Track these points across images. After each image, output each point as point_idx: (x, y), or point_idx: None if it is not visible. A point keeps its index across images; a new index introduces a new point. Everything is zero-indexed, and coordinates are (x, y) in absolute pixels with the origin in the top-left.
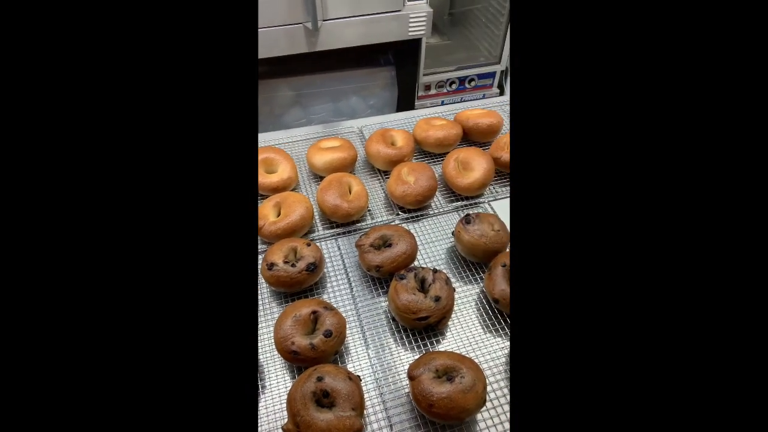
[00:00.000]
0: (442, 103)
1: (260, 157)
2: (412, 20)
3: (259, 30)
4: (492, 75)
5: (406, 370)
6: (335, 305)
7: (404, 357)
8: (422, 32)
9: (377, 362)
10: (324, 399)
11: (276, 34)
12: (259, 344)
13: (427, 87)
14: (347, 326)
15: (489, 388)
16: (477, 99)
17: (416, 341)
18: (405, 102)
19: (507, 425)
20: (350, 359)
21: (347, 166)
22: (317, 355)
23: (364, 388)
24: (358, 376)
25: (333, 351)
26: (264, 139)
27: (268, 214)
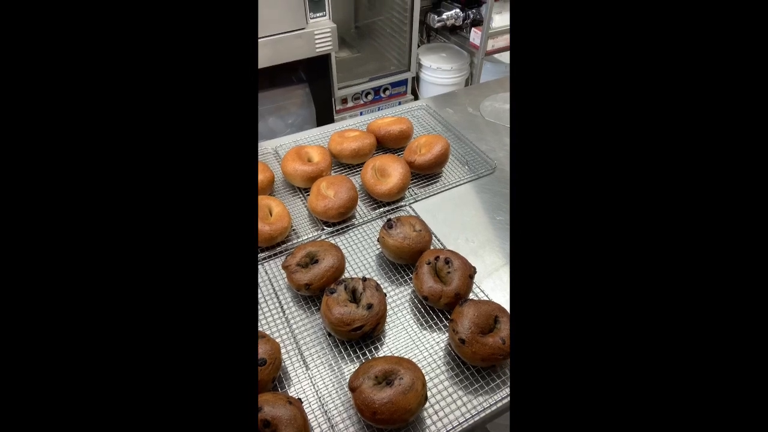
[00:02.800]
0: (361, 114)
1: None
2: (317, 37)
3: None
4: (404, 82)
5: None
6: (269, 331)
7: (346, 370)
8: (329, 47)
9: (319, 381)
10: (266, 429)
11: None
12: None
13: (344, 100)
14: (284, 350)
15: (430, 384)
16: (394, 106)
17: (355, 352)
18: (323, 117)
19: (451, 417)
20: (290, 383)
21: (265, 189)
22: None
23: (307, 410)
24: (299, 399)
25: (270, 379)
26: None
27: None
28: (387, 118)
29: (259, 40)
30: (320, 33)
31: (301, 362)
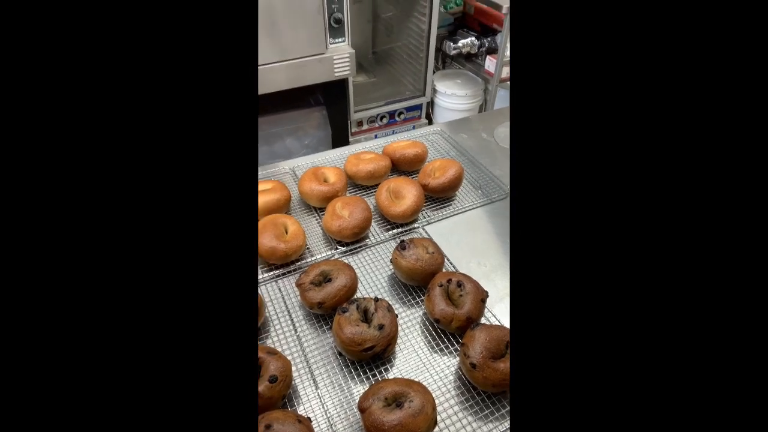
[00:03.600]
0: (375, 137)
1: None
2: (336, 62)
3: None
4: (419, 107)
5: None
6: (280, 348)
7: (355, 391)
8: (347, 72)
9: (328, 400)
10: None
11: None
12: None
13: (360, 123)
14: (294, 368)
15: (439, 408)
16: (408, 130)
17: (365, 373)
18: (339, 139)
19: None
20: (300, 401)
21: (281, 207)
22: (264, 402)
23: (316, 429)
24: (308, 418)
25: (280, 396)
26: None
27: None
28: (402, 141)
29: (281, 64)
30: (339, 58)
31: (311, 381)
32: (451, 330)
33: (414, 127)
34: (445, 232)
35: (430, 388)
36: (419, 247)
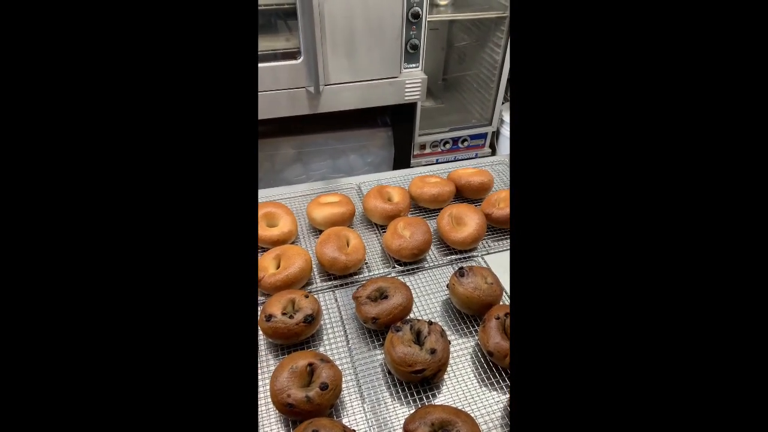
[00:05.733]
0: (437, 162)
1: (262, 211)
2: (407, 86)
3: (264, 93)
4: (484, 136)
5: (402, 425)
6: (331, 357)
7: (400, 411)
8: (417, 97)
9: (372, 416)
10: None
11: (280, 97)
12: None
13: (422, 146)
14: (343, 379)
15: None
16: (470, 158)
17: (412, 395)
18: (401, 160)
19: None
20: (345, 413)
21: (346, 221)
22: (313, 408)
23: None
24: (354, 431)
25: (329, 404)
26: (266, 194)
27: (267, 266)
28: (468, 168)
29: (354, 84)
30: (411, 82)
31: (359, 394)
32: (503, 365)
33: (477, 155)
34: (504, 263)
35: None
36: (478, 276)
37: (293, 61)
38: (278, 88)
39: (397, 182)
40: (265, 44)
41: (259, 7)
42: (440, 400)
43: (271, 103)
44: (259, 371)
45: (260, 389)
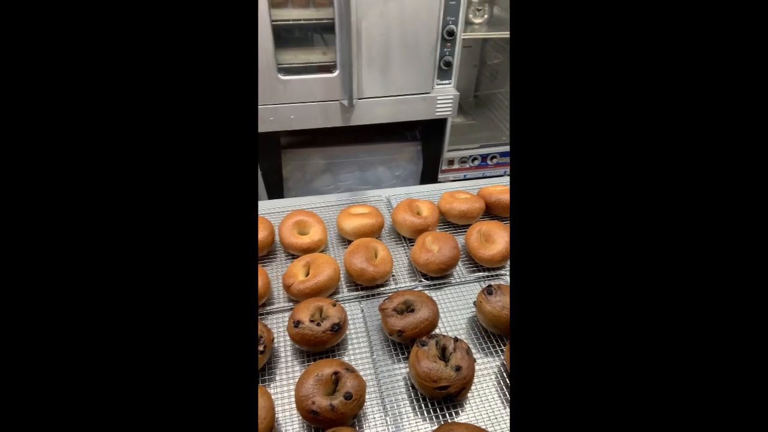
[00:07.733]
0: (465, 177)
1: (293, 219)
2: (439, 102)
3: (299, 104)
4: None
5: None
6: (355, 367)
7: (422, 426)
8: (449, 113)
9: (395, 430)
10: None
11: (314, 109)
12: (280, 401)
13: (451, 162)
14: (366, 390)
15: None
16: (498, 176)
17: (435, 411)
18: (429, 174)
19: None
20: (368, 425)
21: (374, 232)
22: (336, 416)
23: None
24: None
25: (352, 414)
26: (298, 203)
27: (297, 273)
28: (499, 186)
29: (387, 98)
30: (443, 98)
31: (381, 406)
32: None
33: (505, 173)
34: None
35: None
36: (506, 294)
37: (329, 75)
38: (313, 100)
39: (426, 196)
40: (301, 57)
41: (299, 21)
42: (463, 418)
43: (305, 115)
44: (286, 376)
45: (285, 394)
